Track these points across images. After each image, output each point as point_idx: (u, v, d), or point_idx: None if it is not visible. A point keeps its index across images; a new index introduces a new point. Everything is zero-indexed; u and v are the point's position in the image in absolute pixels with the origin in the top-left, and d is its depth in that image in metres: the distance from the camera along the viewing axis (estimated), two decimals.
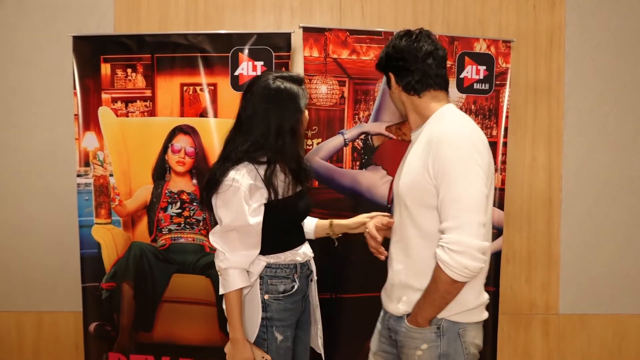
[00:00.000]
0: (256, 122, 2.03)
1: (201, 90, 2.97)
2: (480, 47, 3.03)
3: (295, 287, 2.19)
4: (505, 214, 3.17)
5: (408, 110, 2.03)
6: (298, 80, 2.11)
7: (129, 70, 2.98)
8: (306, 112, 2.14)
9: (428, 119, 1.96)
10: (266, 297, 2.13)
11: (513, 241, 3.44)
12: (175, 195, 3.03)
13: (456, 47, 3.07)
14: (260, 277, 2.13)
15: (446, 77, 2.00)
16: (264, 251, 2.11)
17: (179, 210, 3.03)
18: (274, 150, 2.03)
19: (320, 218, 2.76)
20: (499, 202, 3.13)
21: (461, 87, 3.04)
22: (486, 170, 1.79)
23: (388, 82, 2.06)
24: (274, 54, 2.93)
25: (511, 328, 3.51)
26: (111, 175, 3.00)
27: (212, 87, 2.97)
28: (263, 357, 2.12)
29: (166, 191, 3.03)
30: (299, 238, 2.26)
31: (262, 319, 2.13)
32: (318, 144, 2.96)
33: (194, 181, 3.02)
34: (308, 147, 2.94)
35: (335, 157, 3.00)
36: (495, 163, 3.14)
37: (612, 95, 3.54)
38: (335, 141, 2.99)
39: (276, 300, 2.14)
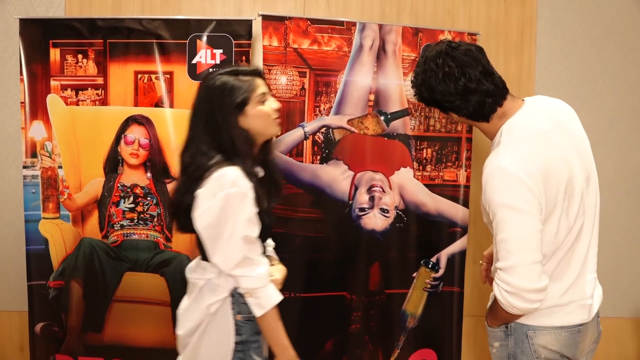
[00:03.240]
0: None
1: (157, 78, 3.03)
2: (445, 39, 3.09)
3: None
4: (470, 213, 3.32)
5: (483, 131, 2.06)
6: (247, 72, 2.09)
7: (80, 56, 3.03)
8: (259, 105, 2.07)
9: (497, 134, 1.99)
10: (238, 317, 2.04)
11: (480, 241, 3.54)
12: (128, 189, 3.09)
13: (420, 38, 3.18)
14: (231, 295, 2.04)
15: (500, 81, 1.95)
16: None
17: (132, 205, 3.09)
18: None
19: (278, 214, 2.92)
20: (464, 200, 3.26)
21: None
22: (538, 201, 1.82)
23: (444, 111, 2.05)
24: (233, 42, 3.01)
25: (477, 331, 3.62)
26: (60, 167, 3.05)
27: (169, 76, 3.03)
28: None
29: (118, 185, 3.08)
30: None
31: (237, 343, 2.04)
32: (277, 137, 3.01)
33: (148, 174, 3.08)
34: None
35: (295, 151, 3.07)
36: (460, 159, 3.26)
37: (583, 90, 3.68)
38: (295, 134, 3.07)
39: (249, 321, 2.05)
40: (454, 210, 3.22)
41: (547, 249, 1.89)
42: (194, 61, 3.02)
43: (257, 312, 1.99)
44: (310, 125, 3.09)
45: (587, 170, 1.98)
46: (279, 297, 2.01)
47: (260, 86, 2.07)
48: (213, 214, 1.92)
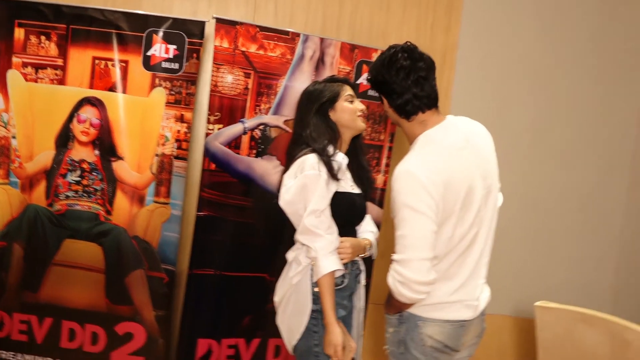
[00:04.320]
0: None
1: (113, 65, 3.14)
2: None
3: (345, 282, 2.35)
4: (384, 213, 3.51)
5: (403, 130, 2.18)
6: (332, 80, 2.51)
7: (43, 37, 3.12)
8: (346, 104, 2.44)
9: (413, 142, 2.11)
10: (316, 289, 2.26)
11: (390, 238, 3.37)
12: (76, 164, 3.21)
13: (356, 54, 3.37)
14: (311, 269, 2.28)
15: (435, 93, 2.11)
16: None
17: (78, 179, 3.21)
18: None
19: (213, 199, 3.10)
20: (379, 201, 3.49)
21: (356, 91, 3.13)
22: (436, 206, 1.93)
23: (381, 100, 2.21)
24: (187, 39, 3.15)
25: (378, 317, 3.73)
26: (14, 137, 3.15)
27: (124, 64, 3.15)
28: (350, 344, 2.31)
29: (67, 159, 3.20)
30: (351, 234, 2.46)
31: (313, 311, 2.26)
32: (219, 129, 3.16)
33: (96, 152, 3.21)
34: (209, 131, 3.16)
35: (234, 144, 3.20)
36: (380, 165, 3.44)
37: (492, 114, 3.89)
38: (235, 128, 3.20)
39: None
40: (369, 209, 3.11)
41: (440, 249, 2.02)
42: (148, 53, 3.15)
43: (314, 278, 2.24)
44: (250, 122, 3.22)
45: (488, 188, 2.10)
46: (330, 268, 2.21)
47: (349, 90, 2.46)
48: (292, 192, 2.24)
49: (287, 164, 2.36)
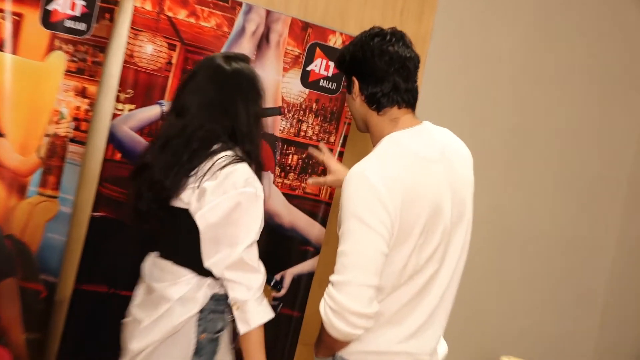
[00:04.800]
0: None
1: (2, 18, 2.81)
2: (335, 42, 3.11)
3: (228, 323, 2.20)
4: (326, 232, 3.23)
5: (368, 128, 2.09)
6: (248, 60, 2.34)
7: None
8: None
9: (378, 143, 2.01)
10: (202, 336, 2.10)
11: (331, 263, 3.36)
12: None
13: (309, 35, 3.12)
14: (200, 311, 2.10)
15: (416, 92, 2.05)
16: (209, 273, 2.10)
17: None
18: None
19: (114, 197, 2.90)
20: (323, 217, 3.22)
21: (306, 80, 3.10)
22: (391, 223, 1.82)
23: (348, 87, 2.09)
24: None
25: None
26: None
27: (18, 18, 2.82)
28: None
29: None
30: None
31: None
32: (131, 110, 2.91)
33: None
34: (118, 111, 2.88)
35: (148, 130, 2.93)
36: (327, 173, 3.12)
37: (464, 122, 3.70)
38: (151, 112, 2.94)
39: (213, 341, 2.12)
40: (309, 227, 3.17)
41: (389, 281, 1.89)
42: (49, 7, 2.79)
43: (242, 328, 2.04)
44: (170, 105, 2.87)
45: (459, 215, 2.01)
46: (267, 315, 2.06)
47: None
48: (220, 214, 2.02)
49: (173, 150, 2.12)
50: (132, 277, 2.86)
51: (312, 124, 3.16)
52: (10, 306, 2.90)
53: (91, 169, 3.10)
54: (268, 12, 3.06)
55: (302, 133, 3.15)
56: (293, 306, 3.20)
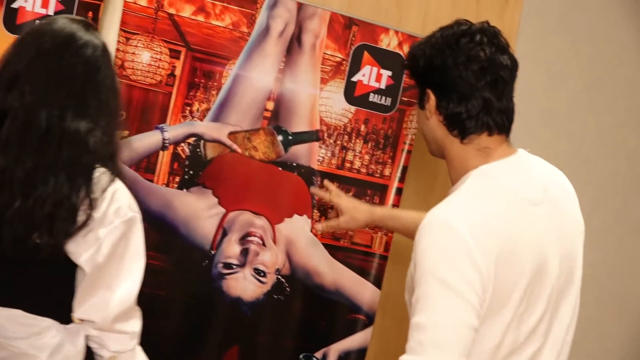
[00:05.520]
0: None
1: None
2: (388, 42, 2.83)
3: None
4: (382, 295, 2.94)
5: (445, 154, 1.87)
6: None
7: None
8: None
9: (461, 178, 1.80)
10: None
11: (389, 337, 3.16)
12: None
13: (354, 34, 2.83)
14: None
15: (512, 113, 1.80)
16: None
17: None
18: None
19: None
20: (377, 276, 2.92)
21: (351, 95, 2.82)
22: (482, 287, 1.60)
23: (420, 100, 1.85)
24: None
25: None
26: None
27: None
28: None
29: None
30: None
31: None
32: (124, 137, 2.64)
33: None
34: None
35: (145, 164, 2.69)
36: None
37: (567, 145, 3.51)
38: (149, 139, 2.68)
39: None
40: (360, 289, 2.87)
41: None
42: (14, 5, 2.57)
43: None
44: (174, 131, 2.70)
45: (568, 275, 1.75)
46: None
47: None
48: (108, 250, 1.78)
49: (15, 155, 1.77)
50: None
51: (360, 152, 2.89)
52: None
53: None
54: (300, 6, 2.78)
55: (348, 164, 2.91)
56: None
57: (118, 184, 1.81)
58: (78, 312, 1.80)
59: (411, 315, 1.63)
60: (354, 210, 2.38)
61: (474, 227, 1.61)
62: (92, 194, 1.75)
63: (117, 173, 1.84)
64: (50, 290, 1.82)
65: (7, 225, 1.73)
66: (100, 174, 1.78)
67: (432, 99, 1.77)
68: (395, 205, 2.96)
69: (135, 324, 1.86)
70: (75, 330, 1.84)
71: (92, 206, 1.76)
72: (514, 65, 1.78)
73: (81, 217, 1.74)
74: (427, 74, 1.80)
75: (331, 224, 2.48)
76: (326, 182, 2.65)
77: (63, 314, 1.81)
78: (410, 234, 2.27)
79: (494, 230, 1.64)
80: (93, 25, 1.96)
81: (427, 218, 1.68)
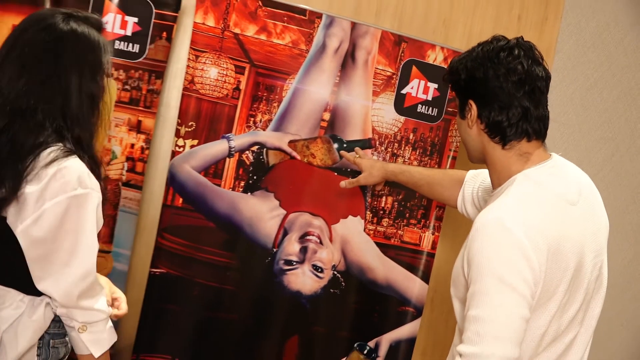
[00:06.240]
0: (49, 85, 1.76)
1: None
2: (435, 58, 2.93)
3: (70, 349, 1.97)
4: (430, 289, 3.06)
5: (486, 160, 1.93)
6: (97, 25, 1.89)
7: None
8: (109, 80, 1.97)
9: (504, 183, 1.86)
10: None
11: (436, 327, 3.29)
12: None
13: (403, 50, 2.95)
14: (41, 337, 1.86)
15: (547, 120, 1.86)
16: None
17: None
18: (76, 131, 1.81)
19: (175, 250, 2.79)
20: (425, 272, 3.04)
21: (400, 106, 2.93)
22: (534, 282, 1.68)
23: (461, 110, 1.91)
24: (154, 10, 2.74)
25: None
26: None
27: None
28: None
29: None
30: None
31: None
32: (193, 146, 2.79)
33: None
34: (178, 149, 2.73)
35: (213, 170, 2.83)
36: (428, 218, 3.05)
37: (600, 153, 3.51)
38: (217, 147, 2.82)
39: None
40: (409, 284, 2.98)
41: (525, 350, 1.75)
42: None
43: (95, 351, 1.83)
44: (239, 140, 2.84)
45: (599, 269, 1.84)
46: (114, 337, 1.90)
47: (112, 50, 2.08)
48: (49, 225, 1.72)
49: (7, 166, 1.74)
50: (200, 346, 2.90)
51: (409, 158, 3.00)
52: None
53: (149, 218, 3.06)
54: (353, 25, 2.90)
55: None
56: None
57: (70, 162, 1.75)
58: (39, 286, 1.78)
59: (466, 309, 1.72)
60: (371, 168, 2.48)
61: (527, 227, 1.68)
62: (32, 168, 1.72)
63: (71, 152, 1.78)
64: (10, 261, 1.78)
65: None
66: (52, 151, 1.74)
67: (474, 109, 1.85)
68: (442, 207, 3.01)
69: (101, 303, 1.85)
70: (38, 303, 1.83)
71: (27, 179, 1.72)
72: (547, 76, 1.85)
73: (14, 187, 1.71)
74: (469, 85, 1.87)
75: (353, 180, 2.59)
76: (357, 148, 2.74)
77: (26, 285, 1.80)
78: (417, 185, 2.47)
79: (543, 229, 1.70)
80: (76, 15, 1.86)
81: (481, 220, 1.75)
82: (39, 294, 1.79)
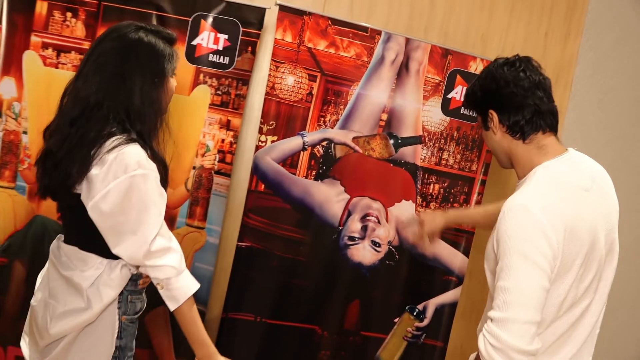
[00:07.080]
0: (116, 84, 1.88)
1: None
2: (476, 67, 3.06)
3: (145, 304, 2.08)
4: (469, 262, 3.23)
5: (513, 159, 2.03)
6: (167, 37, 1.98)
7: (69, 14, 2.86)
8: (172, 81, 2.03)
9: (527, 175, 1.95)
10: (123, 318, 1.98)
11: (474, 294, 3.45)
12: None
13: (449, 62, 3.09)
14: (120, 293, 1.96)
15: (557, 113, 1.98)
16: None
17: None
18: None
19: (258, 227, 2.93)
20: (465, 248, 3.16)
21: (446, 108, 3.08)
22: (553, 258, 1.78)
23: (485, 123, 2.03)
24: (241, 28, 2.92)
25: None
26: (25, 132, 2.88)
27: None
28: None
29: None
30: None
31: (116, 348, 1.97)
32: (273, 142, 2.97)
33: None
34: (260, 143, 2.93)
35: (290, 161, 3.01)
36: (469, 202, 3.18)
37: (617, 152, 3.62)
38: (292, 142, 3.01)
39: (132, 323, 2.01)
40: (452, 257, 3.13)
41: (547, 314, 1.85)
42: (194, 42, 2.90)
43: (171, 305, 1.90)
44: (311, 136, 3.02)
45: (610, 245, 1.94)
46: (195, 286, 1.93)
47: (179, 58, 2.03)
48: (114, 200, 1.81)
49: (75, 131, 1.85)
50: (278, 306, 3.04)
51: (453, 152, 3.13)
52: (163, 333, 2.97)
53: (236, 200, 3.18)
54: (407, 40, 3.05)
55: (444, 162, 3.13)
56: (436, 336, 3.18)
57: (130, 147, 1.82)
58: (114, 251, 1.86)
59: (496, 280, 1.81)
60: (432, 221, 2.53)
61: (546, 210, 1.78)
62: (98, 153, 1.80)
63: (132, 140, 1.85)
64: (91, 230, 1.85)
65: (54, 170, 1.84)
66: (115, 139, 1.82)
67: (495, 117, 1.97)
68: (480, 193, 3.16)
69: (169, 259, 1.87)
70: (115, 265, 1.92)
71: (93, 163, 1.81)
72: (548, 81, 1.98)
73: (82, 169, 1.80)
74: (486, 99, 2.00)
75: (418, 234, 2.61)
76: (414, 214, 2.95)
77: (103, 250, 1.88)
78: (479, 224, 2.58)
79: (561, 212, 1.79)
80: (147, 27, 1.94)
81: (507, 205, 1.83)
82: (115, 257, 1.89)
